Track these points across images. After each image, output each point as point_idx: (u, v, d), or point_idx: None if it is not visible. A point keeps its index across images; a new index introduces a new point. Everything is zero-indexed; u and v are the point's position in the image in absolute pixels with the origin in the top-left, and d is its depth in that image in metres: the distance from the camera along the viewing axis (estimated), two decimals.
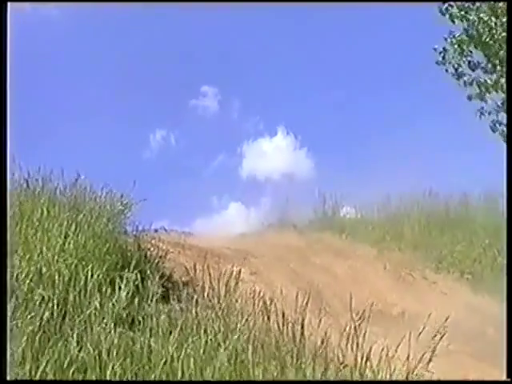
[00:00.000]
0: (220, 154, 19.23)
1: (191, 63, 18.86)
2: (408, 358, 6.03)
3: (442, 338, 6.32)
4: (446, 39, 12.05)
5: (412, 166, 17.09)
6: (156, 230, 10.21)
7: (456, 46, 11.57)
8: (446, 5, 11.93)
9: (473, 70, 11.58)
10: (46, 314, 5.76)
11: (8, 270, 5.45)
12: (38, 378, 5.09)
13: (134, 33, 18.00)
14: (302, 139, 18.49)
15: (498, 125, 11.62)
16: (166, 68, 18.85)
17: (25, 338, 5.28)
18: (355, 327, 6.10)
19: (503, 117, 11.83)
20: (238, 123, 19.72)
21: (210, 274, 6.87)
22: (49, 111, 17.57)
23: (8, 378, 4.70)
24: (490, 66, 11.80)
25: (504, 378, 5.85)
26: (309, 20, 16.77)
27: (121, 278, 6.62)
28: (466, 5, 11.91)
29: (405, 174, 16.75)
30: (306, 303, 6.50)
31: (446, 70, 11.82)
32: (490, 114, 11.87)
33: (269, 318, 6.26)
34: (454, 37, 11.66)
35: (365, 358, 5.85)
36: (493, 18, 11.47)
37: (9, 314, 5.26)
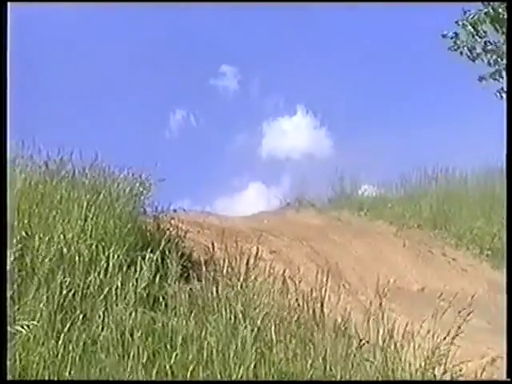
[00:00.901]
0: (240, 133, 19.22)
1: (210, 43, 18.77)
2: (433, 335, 6.00)
3: (469, 314, 6.26)
4: (457, 22, 11.92)
5: (429, 142, 17.02)
6: (175, 210, 10.25)
7: (469, 27, 11.44)
8: None
9: (487, 52, 11.47)
10: (67, 293, 5.81)
11: (8, 269, 5.48)
12: (60, 356, 5.14)
13: (153, 15, 17.94)
14: (322, 118, 18.44)
15: None
16: (186, 48, 18.80)
17: (47, 317, 5.33)
18: (376, 304, 6.09)
19: None
20: (257, 102, 19.66)
21: (228, 253, 6.87)
22: (69, 94, 17.60)
23: (8, 378, 4.74)
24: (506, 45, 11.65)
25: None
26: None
27: (141, 258, 6.65)
28: None
29: (422, 151, 16.68)
30: (326, 281, 6.50)
31: (461, 53, 11.71)
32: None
33: (288, 296, 6.27)
34: (467, 18, 11.52)
35: (387, 335, 5.83)
36: None
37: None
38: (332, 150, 18.52)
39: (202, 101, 19.25)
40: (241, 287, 6.37)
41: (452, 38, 11.94)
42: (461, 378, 6.11)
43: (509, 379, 5.67)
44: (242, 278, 6.56)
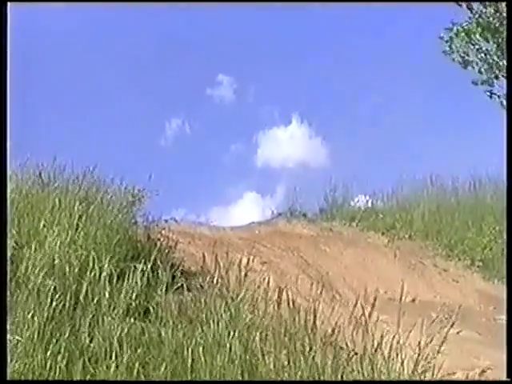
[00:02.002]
0: (235, 142, 19.25)
1: (207, 52, 18.79)
2: (419, 345, 6.01)
3: (452, 325, 6.28)
4: (451, 29, 12.01)
5: (421, 152, 17.06)
6: (166, 221, 10.26)
7: (463, 35, 11.52)
8: None
9: (480, 59, 11.54)
10: (58, 304, 5.79)
11: (8, 270, 5.48)
12: (48, 366, 5.12)
13: (149, 22, 17.93)
14: (317, 128, 18.48)
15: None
16: (182, 57, 18.80)
17: (36, 328, 5.31)
18: (366, 315, 6.09)
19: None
20: (252, 112, 19.72)
21: (219, 264, 6.86)
22: (62, 102, 17.57)
23: (8, 378, 4.73)
24: (499, 52, 11.74)
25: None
26: (322, 12, 16.63)
27: (131, 268, 6.64)
28: None
29: (414, 161, 16.71)
30: (318, 292, 6.50)
31: (453, 60, 11.79)
32: (499, 97, 11.83)
33: (279, 306, 6.26)
34: (461, 25, 11.60)
35: (376, 346, 5.83)
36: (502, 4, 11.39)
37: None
38: (327, 160, 18.58)
39: (197, 109, 19.31)
40: (231, 298, 6.36)
41: (447, 41, 12.02)
42: None
43: (509, 379, 5.68)
44: (232, 289, 6.55)
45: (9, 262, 5.90)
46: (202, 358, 5.34)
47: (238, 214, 15.92)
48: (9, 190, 7.38)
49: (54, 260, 6.56)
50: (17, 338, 5.10)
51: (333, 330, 6.11)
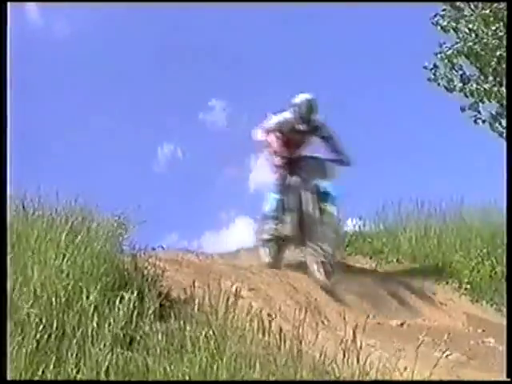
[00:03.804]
0: (227, 167, 19.25)
1: (198, 76, 18.86)
2: (407, 370, 6.02)
3: (444, 353, 6.28)
4: (436, 55, 12.15)
5: (409, 175, 17.10)
6: (154, 248, 10.22)
7: (446, 61, 11.69)
8: (437, 17, 12.03)
9: (464, 84, 11.70)
10: (43, 335, 5.76)
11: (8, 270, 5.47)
12: None
13: (141, 41, 17.94)
14: None
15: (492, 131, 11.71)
16: (173, 81, 18.87)
17: (22, 360, 5.27)
18: (353, 340, 6.09)
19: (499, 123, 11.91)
20: (245, 136, 19.73)
21: (207, 291, 6.86)
22: (50, 125, 17.50)
23: (8, 378, 4.71)
24: (482, 77, 11.89)
25: None
26: (309, 26, 16.69)
27: (118, 297, 6.62)
28: (458, 15, 12.02)
29: (402, 183, 16.75)
30: (304, 318, 6.50)
31: (438, 84, 11.91)
32: (484, 122, 11.96)
33: (264, 334, 6.25)
34: (443, 52, 11.77)
35: (363, 372, 5.84)
36: (483, 28, 11.57)
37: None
38: None
39: (189, 134, 19.36)
40: (218, 326, 6.35)
41: (431, 69, 12.18)
42: None
43: (509, 379, 5.70)
44: (219, 316, 6.54)
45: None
46: None
47: (230, 239, 15.90)
48: None
49: (38, 291, 6.53)
50: None
51: (320, 355, 6.12)
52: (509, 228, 9.49)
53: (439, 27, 11.95)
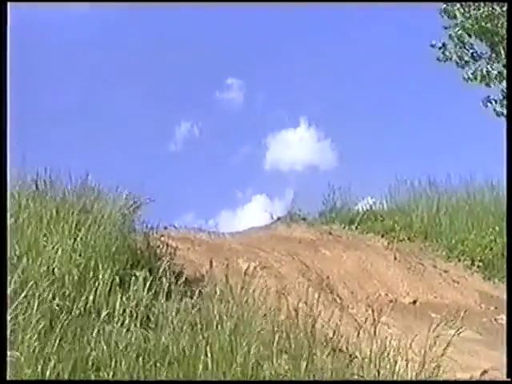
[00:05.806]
0: (244, 146, 19.18)
1: (216, 55, 18.73)
2: (425, 349, 5.98)
3: (457, 331, 6.23)
4: (445, 29, 11.97)
5: (422, 154, 17.03)
6: (165, 227, 10.25)
7: (456, 40, 11.54)
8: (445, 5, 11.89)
9: (476, 61, 11.58)
10: (58, 314, 5.77)
11: (8, 270, 5.46)
12: (52, 377, 5.09)
13: (158, 24, 17.85)
14: (326, 130, 18.43)
15: (501, 115, 11.62)
16: (191, 60, 18.74)
17: (36, 338, 5.28)
18: (368, 317, 6.08)
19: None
20: (261, 115, 19.67)
21: (219, 270, 6.86)
22: (71, 107, 17.48)
23: (8, 378, 4.71)
24: (493, 55, 11.77)
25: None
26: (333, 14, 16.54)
27: (131, 276, 6.62)
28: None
29: (415, 162, 16.68)
30: (317, 296, 6.50)
31: (450, 59, 11.77)
32: (496, 102, 11.86)
33: (279, 311, 6.25)
34: (453, 31, 11.62)
35: (380, 349, 5.80)
36: (496, 7, 11.43)
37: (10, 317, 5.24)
38: (336, 162, 18.55)
39: (206, 113, 19.26)
40: (232, 304, 6.34)
41: (440, 48, 12.05)
42: None
43: (509, 379, 5.68)
44: (233, 295, 6.53)
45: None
46: (210, 365, 5.32)
47: (246, 218, 15.85)
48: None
49: (52, 270, 6.55)
50: (14, 354, 5.05)
51: (334, 334, 6.11)
52: (509, 228, 9.37)
53: (448, 14, 11.76)
